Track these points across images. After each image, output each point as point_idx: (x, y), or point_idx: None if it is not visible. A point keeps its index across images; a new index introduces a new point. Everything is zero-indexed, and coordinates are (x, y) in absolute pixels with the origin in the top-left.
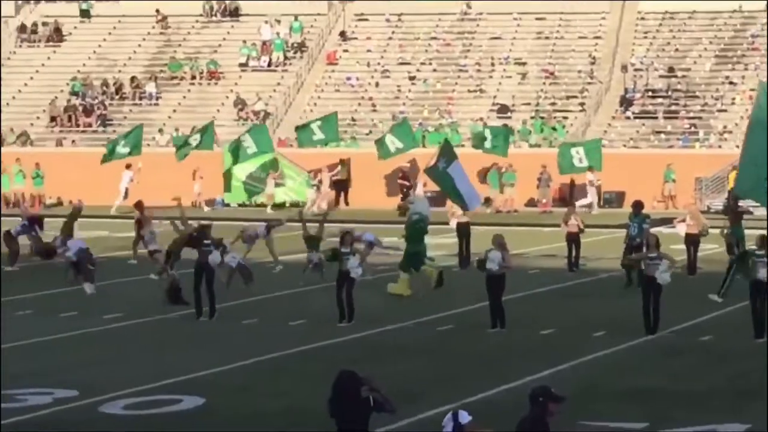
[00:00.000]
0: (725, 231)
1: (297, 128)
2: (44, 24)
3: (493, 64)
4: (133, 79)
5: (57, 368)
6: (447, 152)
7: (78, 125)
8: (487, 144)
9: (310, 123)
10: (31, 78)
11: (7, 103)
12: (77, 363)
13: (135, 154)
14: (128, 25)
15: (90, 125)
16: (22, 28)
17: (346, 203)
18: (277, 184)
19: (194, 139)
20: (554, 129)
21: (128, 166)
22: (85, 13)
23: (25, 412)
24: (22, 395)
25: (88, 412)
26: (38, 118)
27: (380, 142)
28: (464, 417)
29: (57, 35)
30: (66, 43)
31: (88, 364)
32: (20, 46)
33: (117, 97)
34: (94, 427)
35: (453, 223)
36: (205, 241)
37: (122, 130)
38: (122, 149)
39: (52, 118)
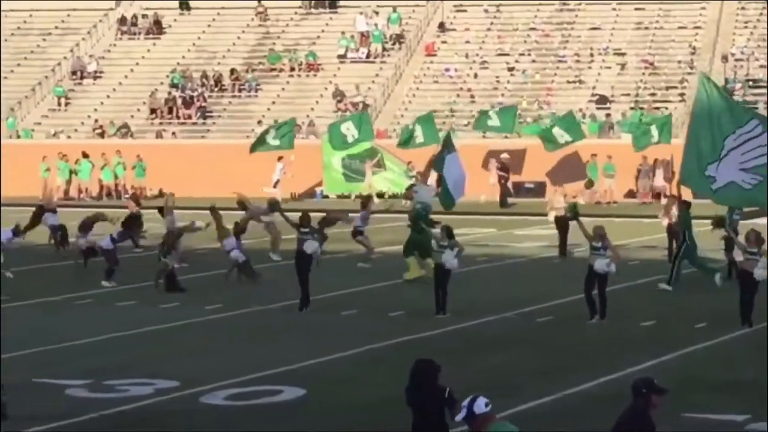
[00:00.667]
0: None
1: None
2: (144, 16)
3: (592, 55)
4: (232, 71)
5: (158, 359)
6: (448, 144)
7: (178, 117)
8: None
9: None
10: (132, 70)
11: (108, 96)
12: (178, 353)
13: (285, 147)
14: (227, 17)
15: (189, 117)
16: (122, 21)
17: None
18: (373, 173)
19: (273, 138)
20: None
21: (280, 158)
22: (184, 5)
23: (126, 403)
24: (123, 386)
25: (189, 403)
26: (138, 110)
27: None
28: (479, 406)
29: (157, 28)
30: (166, 36)
31: (189, 354)
32: (120, 38)
33: (216, 89)
34: (195, 418)
35: (551, 216)
36: (303, 230)
37: (222, 122)
38: (273, 141)
39: (152, 111)
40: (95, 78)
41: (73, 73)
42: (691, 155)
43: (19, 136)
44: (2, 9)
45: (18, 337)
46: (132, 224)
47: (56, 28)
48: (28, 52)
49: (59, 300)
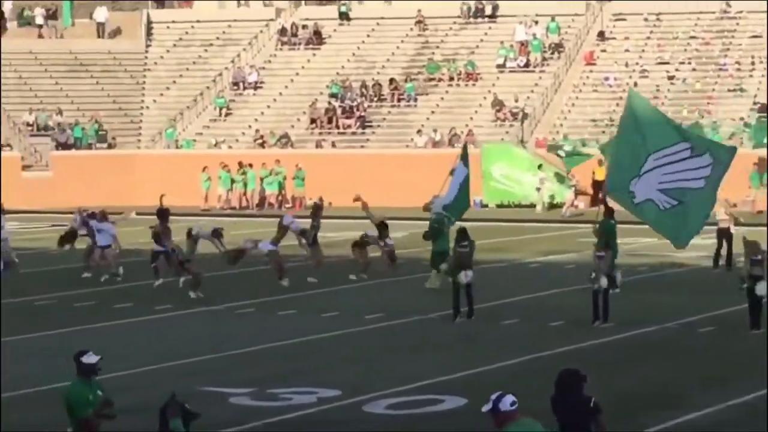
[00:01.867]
0: (596, 225)
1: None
2: (304, 27)
3: (753, 63)
4: (391, 80)
5: (320, 368)
6: (464, 156)
7: (337, 127)
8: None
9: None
10: (292, 81)
11: (268, 106)
12: (340, 362)
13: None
14: (387, 27)
15: (349, 127)
16: (282, 32)
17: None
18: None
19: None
20: None
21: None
22: (344, 16)
23: (289, 411)
24: (286, 394)
25: (352, 412)
26: (298, 120)
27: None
28: (505, 404)
29: (317, 38)
30: (326, 46)
31: (350, 363)
32: (281, 49)
33: (375, 98)
34: (357, 427)
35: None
36: (463, 243)
37: (381, 131)
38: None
39: (312, 120)
40: (256, 88)
41: (234, 83)
42: (617, 165)
43: (178, 147)
44: (166, 20)
45: (182, 345)
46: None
47: (217, 39)
48: (190, 63)
49: (222, 309)
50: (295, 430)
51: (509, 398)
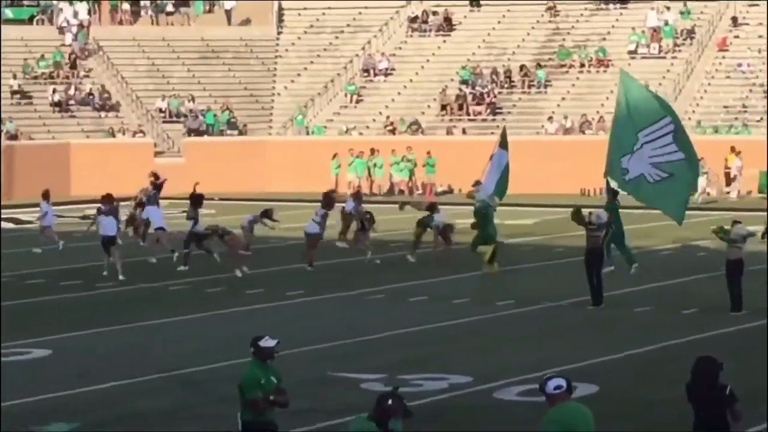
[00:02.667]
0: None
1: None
2: (435, 13)
3: None
4: (522, 67)
5: (451, 354)
6: (503, 142)
7: (468, 114)
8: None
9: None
10: (422, 67)
11: (399, 93)
12: (471, 349)
13: None
14: (517, 13)
15: (479, 113)
16: (413, 18)
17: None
18: None
19: None
20: None
21: None
22: (474, 2)
23: (420, 397)
24: (417, 380)
25: (483, 398)
26: (429, 107)
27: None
28: (550, 387)
29: (447, 24)
30: (456, 32)
31: (481, 350)
32: (411, 35)
33: (506, 85)
34: (488, 413)
35: None
36: (590, 226)
37: (511, 118)
38: None
39: (443, 107)
40: (386, 75)
41: (365, 70)
42: (613, 148)
43: (309, 133)
44: (297, 6)
45: (314, 331)
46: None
47: (348, 25)
48: (321, 50)
49: (354, 294)
50: (426, 417)
51: (554, 381)
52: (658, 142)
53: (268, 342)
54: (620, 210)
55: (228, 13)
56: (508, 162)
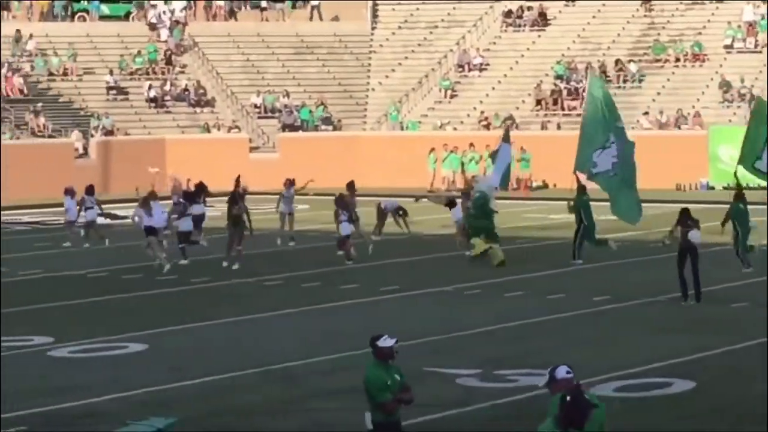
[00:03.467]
0: (570, 202)
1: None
2: (529, 8)
3: None
4: (617, 62)
5: (548, 349)
6: (506, 137)
7: (563, 108)
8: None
9: None
10: (517, 62)
11: (493, 88)
12: (568, 344)
13: None
14: (612, 7)
15: (575, 108)
16: (507, 13)
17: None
18: None
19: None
20: None
21: None
22: None
23: (516, 393)
24: (513, 376)
25: None
26: (523, 102)
27: None
28: (560, 372)
29: (542, 19)
30: (551, 27)
31: (578, 345)
32: (506, 30)
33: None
34: None
35: None
36: (687, 222)
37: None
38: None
39: (538, 102)
40: (480, 70)
41: (459, 65)
42: (584, 143)
43: (403, 129)
44: (392, 2)
45: (410, 326)
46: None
47: (442, 21)
48: (415, 45)
49: (449, 290)
50: (522, 412)
51: (562, 368)
52: (617, 145)
53: (386, 341)
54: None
55: (316, 9)
56: (512, 155)
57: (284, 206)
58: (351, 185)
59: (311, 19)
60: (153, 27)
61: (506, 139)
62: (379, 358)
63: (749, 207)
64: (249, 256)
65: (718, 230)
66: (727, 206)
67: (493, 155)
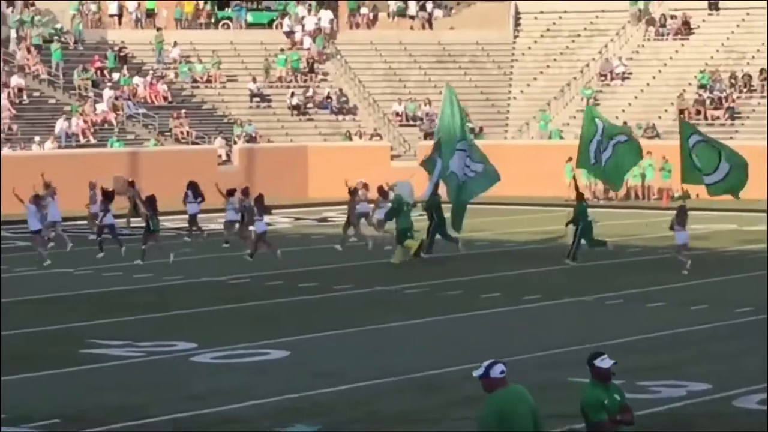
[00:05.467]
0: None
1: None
2: (672, 17)
3: None
4: (761, 71)
5: (690, 361)
6: (438, 149)
7: (706, 118)
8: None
9: None
10: (659, 71)
11: (635, 97)
12: (710, 355)
13: None
14: (757, 16)
15: (718, 118)
16: (650, 21)
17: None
18: None
19: None
20: None
21: None
22: (713, 5)
23: (659, 404)
24: (655, 387)
25: (722, 406)
26: (666, 111)
27: None
28: (495, 371)
29: (685, 28)
30: (694, 36)
31: (720, 356)
32: (648, 39)
33: (745, 90)
34: (728, 422)
35: None
36: None
37: (750, 123)
38: None
39: (680, 111)
40: (623, 79)
41: (601, 74)
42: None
43: (547, 137)
44: (534, 10)
45: (552, 336)
46: None
47: (585, 29)
48: (557, 54)
49: (591, 300)
50: (664, 424)
51: (500, 366)
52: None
53: (605, 362)
54: None
55: (426, 20)
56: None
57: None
58: (353, 191)
59: (423, 27)
60: (288, 35)
61: (437, 150)
62: (596, 378)
63: None
64: (391, 265)
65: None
66: None
67: (427, 165)
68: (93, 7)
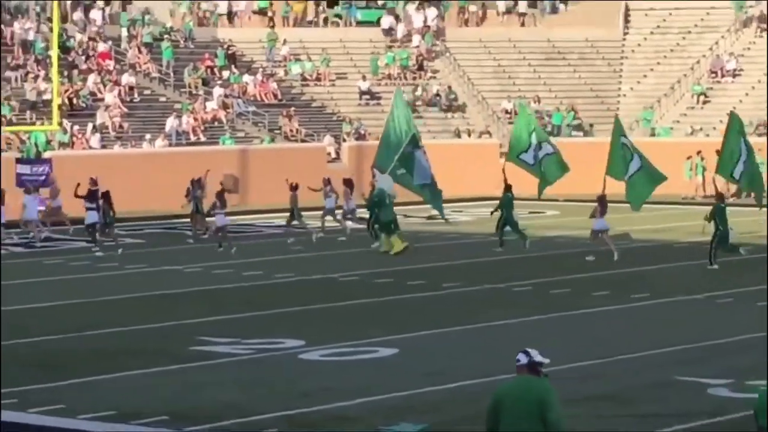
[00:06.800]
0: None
1: None
2: None
3: None
4: None
5: None
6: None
7: None
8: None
9: None
10: None
11: (746, 94)
12: None
13: None
14: None
15: None
16: (762, 18)
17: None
18: None
19: None
20: None
21: None
22: None
23: None
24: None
25: None
26: None
27: None
28: (536, 354)
29: None
30: None
31: None
32: (760, 36)
33: None
34: None
35: None
36: None
37: None
38: None
39: None
40: (734, 76)
41: (712, 71)
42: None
43: (655, 134)
44: (644, 7)
45: (661, 334)
46: None
47: (696, 26)
48: (668, 51)
49: (701, 298)
50: None
51: (520, 355)
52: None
53: None
54: None
55: (524, 16)
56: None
57: None
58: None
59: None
60: (388, 32)
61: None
62: None
63: None
64: (498, 262)
65: None
66: None
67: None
68: (204, 5)
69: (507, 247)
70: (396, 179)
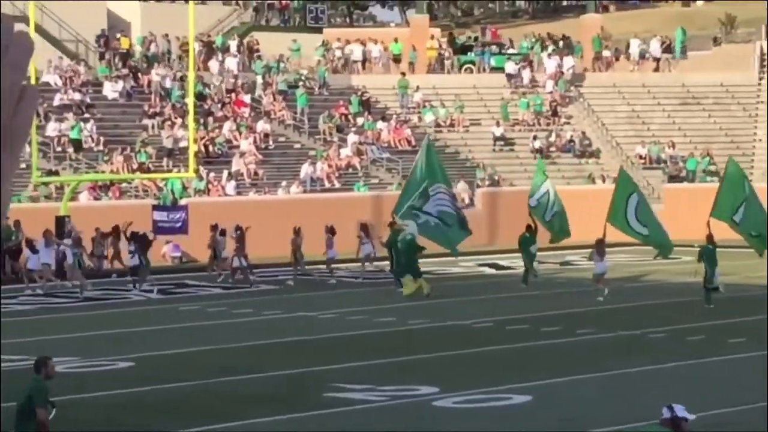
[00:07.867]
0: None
1: None
2: None
3: None
4: None
5: None
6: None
7: None
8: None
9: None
10: None
11: None
12: None
13: None
14: None
15: None
16: None
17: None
18: None
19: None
20: None
21: None
22: None
23: None
24: None
25: None
26: None
27: None
28: (680, 410)
29: None
30: None
31: None
32: None
33: None
34: None
35: None
36: None
37: None
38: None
39: None
40: None
41: None
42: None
43: None
44: None
45: None
46: None
47: None
48: None
49: None
50: None
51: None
52: (438, 197)
53: None
54: None
55: (659, 61)
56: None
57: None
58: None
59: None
60: (511, 78)
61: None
62: None
63: None
64: (627, 309)
65: None
66: None
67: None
68: (338, 53)
69: (644, 293)
70: (420, 231)
